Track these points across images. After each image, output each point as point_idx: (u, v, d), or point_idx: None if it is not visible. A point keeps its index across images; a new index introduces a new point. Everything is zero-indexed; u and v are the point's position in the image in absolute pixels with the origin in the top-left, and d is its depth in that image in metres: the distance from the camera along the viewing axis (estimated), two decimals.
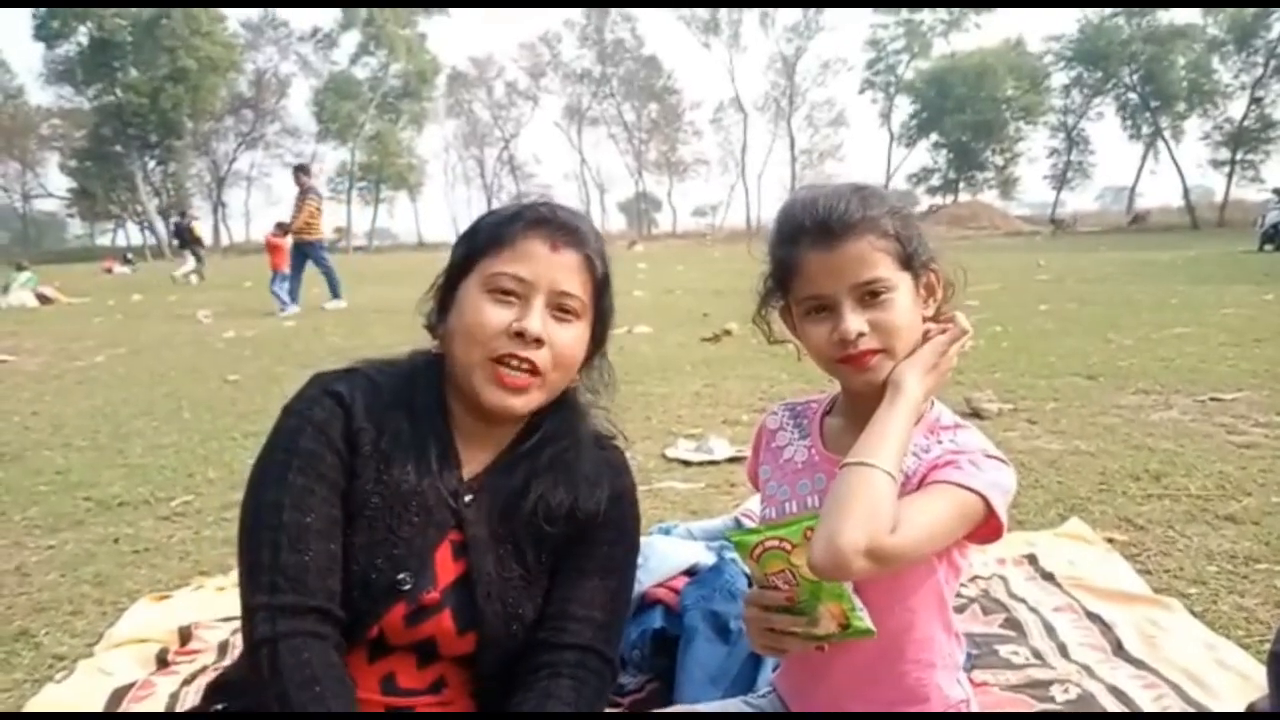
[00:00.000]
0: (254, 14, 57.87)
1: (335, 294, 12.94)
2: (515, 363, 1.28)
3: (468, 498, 1.34)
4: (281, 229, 13.00)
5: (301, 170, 13.50)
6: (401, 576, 1.27)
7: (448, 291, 1.37)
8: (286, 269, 12.83)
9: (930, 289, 1.34)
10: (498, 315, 1.28)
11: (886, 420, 1.23)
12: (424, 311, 1.42)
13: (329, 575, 1.23)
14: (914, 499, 1.23)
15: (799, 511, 1.38)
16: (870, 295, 1.26)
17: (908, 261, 1.30)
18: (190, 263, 21.90)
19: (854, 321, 1.25)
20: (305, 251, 12.83)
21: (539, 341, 1.28)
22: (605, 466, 1.42)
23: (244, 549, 1.25)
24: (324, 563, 1.23)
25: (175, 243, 23.01)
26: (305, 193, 12.80)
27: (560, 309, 1.32)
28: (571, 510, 1.35)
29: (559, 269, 1.31)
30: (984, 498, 1.22)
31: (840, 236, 1.27)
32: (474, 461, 1.37)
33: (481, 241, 1.35)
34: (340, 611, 1.24)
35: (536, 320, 1.28)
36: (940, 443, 1.30)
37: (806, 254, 1.29)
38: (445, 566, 1.31)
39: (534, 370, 1.29)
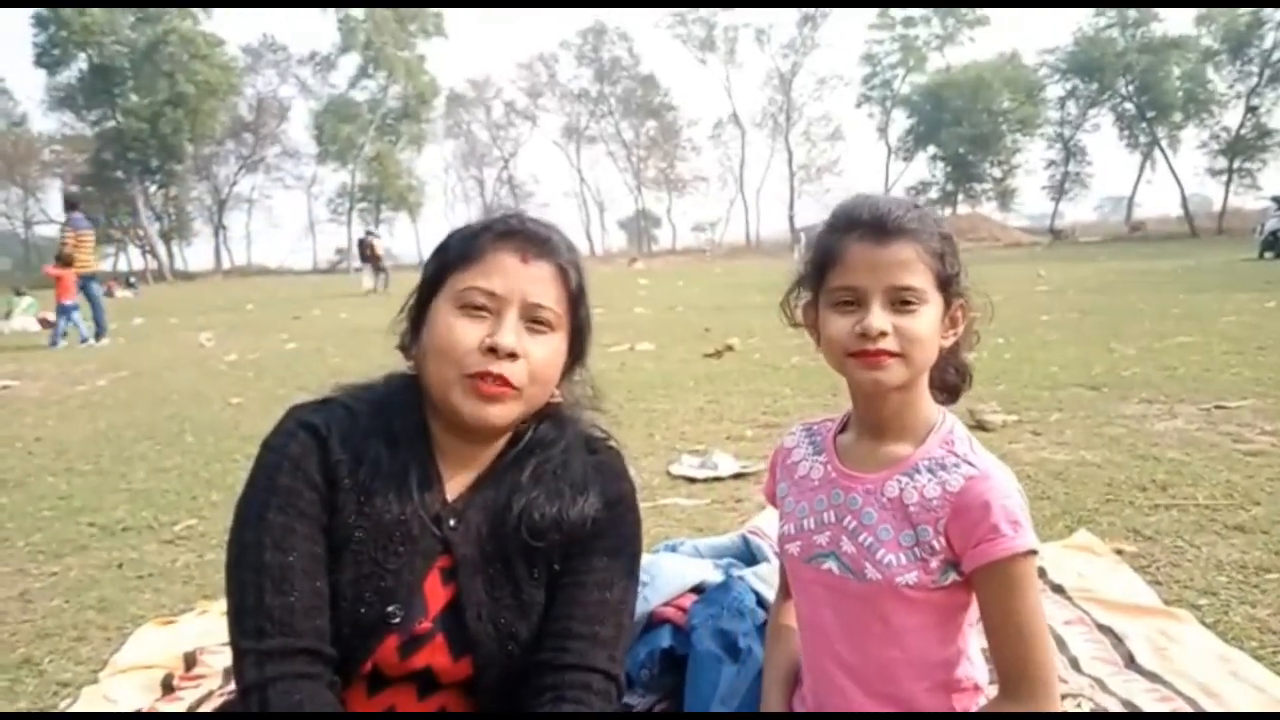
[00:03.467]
0: (252, 37, 58.28)
1: (97, 332, 12.77)
2: (490, 379, 1.25)
3: (452, 521, 1.30)
4: (61, 261, 13.02)
5: (65, 201, 13.71)
6: (391, 609, 1.25)
7: (420, 310, 1.34)
8: (69, 300, 12.82)
9: (954, 321, 1.36)
10: (469, 331, 1.25)
11: None
12: (397, 332, 1.39)
13: (316, 614, 1.21)
14: (1008, 620, 1.25)
15: (816, 528, 1.38)
16: (902, 302, 1.27)
17: (944, 284, 1.32)
18: (369, 279, 23.06)
19: (880, 319, 1.26)
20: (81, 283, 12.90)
21: (513, 355, 1.25)
22: (596, 472, 1.37)
23: (229, 592, 1.23)
24: (310, 601, 1.21)
25: (358, 260, 25.26)
26: (66, 225, 13.00)
27: (534, 321, 1.28)
28: (558, 521, 1.31)
29: (531, 281, 1.28)
30: (1033, 551, 1.25)
31: (891, 235, 1.28)
32: (458, 482, 1.34)
33: (451, 257, 1.32)
34: (331, 649, 1.21)
35: (510, 334, 1.25)
36: (955, 458, 1.30)
37: (853, 245, 1.30)
38: (435, 593, 1.28)
39: (509, 385, 1.26)
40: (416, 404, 1.34)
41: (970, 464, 1.29)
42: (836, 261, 1.31)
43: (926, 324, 1.28)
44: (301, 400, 1.37)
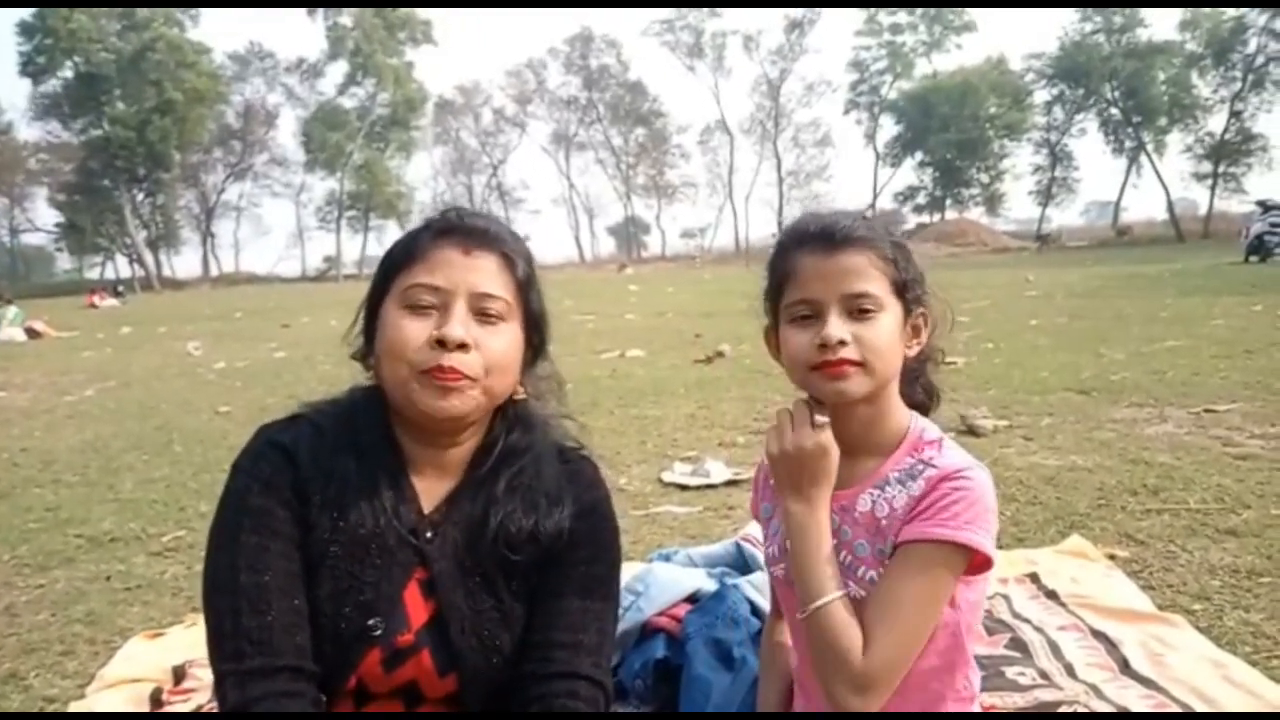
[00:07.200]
0: (240, 45, 58.08)
1: None
2: (443, 374, 1.23)
3: (429, 533, 1.29)
4: None
5: None
6: (372, 622, 1.24)
7: (372, 317, 1.34)
8: None
9: (916, 330, 1.36)
10: (417, 328, 1.24)
11: (798, 553, 1.28)
12: (351, 342, 1.38)
13: (296, 631, 1.20)
14: (882, 596, 1.25)
15: None
16: (859, 310, 1.27)
17: (900, 290, 1.32)
18: None
19: (838, 328, 1.26)
20: None
21: (464, 346, 1.23)
22: (568, 482, 1.36)
23: (206, 617, 1.22)
24: (288, 619, 1.20)
25: None
26: None
27: (483, 312, 1.27)
28: (534, 532, 1.30)
29: (475, 272, 1.28)
30: (962, 545, 1.23)
31: (841, 245, 1.29)
32: (432, 493, 1.33)
33: (394, 259, 1.32)
34: (313, 666, 1.21)
35: (457, 326, 1.24)
36: (923, 464, 1.30)
37: (804, 258, 1.31)
38: (416, 606, 1.27)
39: (464, 377, 1.24)
40: (382, 414, 1.33)
41: (934, 466, 1.29)
42: (790, 277, 1.32)
43: (885, 331, 1.28)
44: (291, 409, 1.37)
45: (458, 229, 1.30)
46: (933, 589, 1.24)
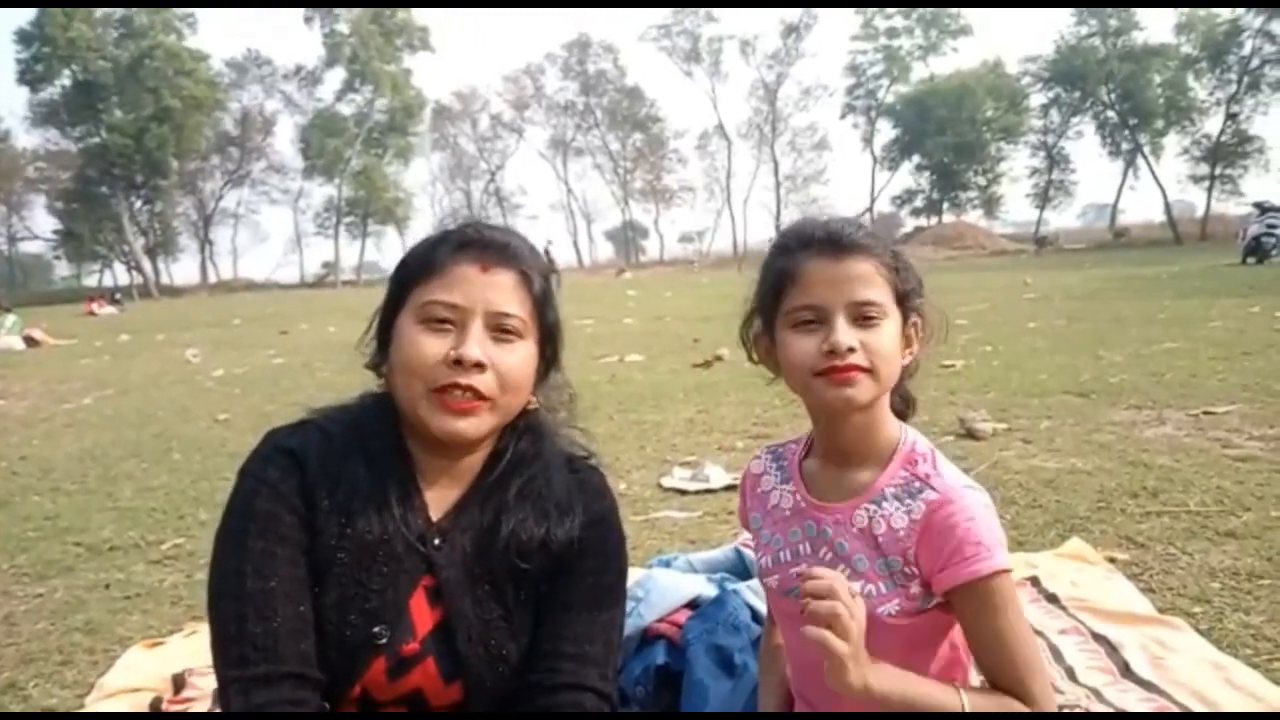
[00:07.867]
0: (237, 52, 58.11)
1: None
2: (458, 392, 1.23)
3: (437, 540, 1.29)
4: None
5: None
6: (377, 630, 1.23)
7: (386, 327, 1.33)
8: None
9: (909, 340, 1.35)
10: (434, 345, 1.24)
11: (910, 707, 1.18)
12: (365, 350, 1.38)
13: (301, 638, 1.20)
14: (986, 645, 1.23)
15: (793, 560, 1.37)
16: (865, 317, 1.26)
17: (901, 299, 1.31)
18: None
19: (847, 335, 1.25)
20: None
21: (480, 366, 1.23)
22: (578, 491, 1.36)
23: (211, 622, 1.22)
24: (294, 626, 1.19)
25: None
26: None
27: (500, 330, 1.27)
28: (545, 541, 1.30)
29: (493, 289, 1.27)
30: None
31: (848, 251, 1.28)
32: (441, 501, 1.33)
33: (411, 271, 1.31)
34: (317, 674, 1.20)
35: (474, 346, 1.24)
36: (919, 481, 1.29)
37: (810, 263, 1.29)
38: (422, 614, 1.27)
39: (479, 396, 1.24)
40: (392, 422, 1.33)
41: (932, 487, 1.27)
42: (794, 281, 1.30)
43: (889, 338, 1.28)
44: (290, 416, 1.37)
45: (476, 244, 1.30)
46: (1009, 607, 1.23)
